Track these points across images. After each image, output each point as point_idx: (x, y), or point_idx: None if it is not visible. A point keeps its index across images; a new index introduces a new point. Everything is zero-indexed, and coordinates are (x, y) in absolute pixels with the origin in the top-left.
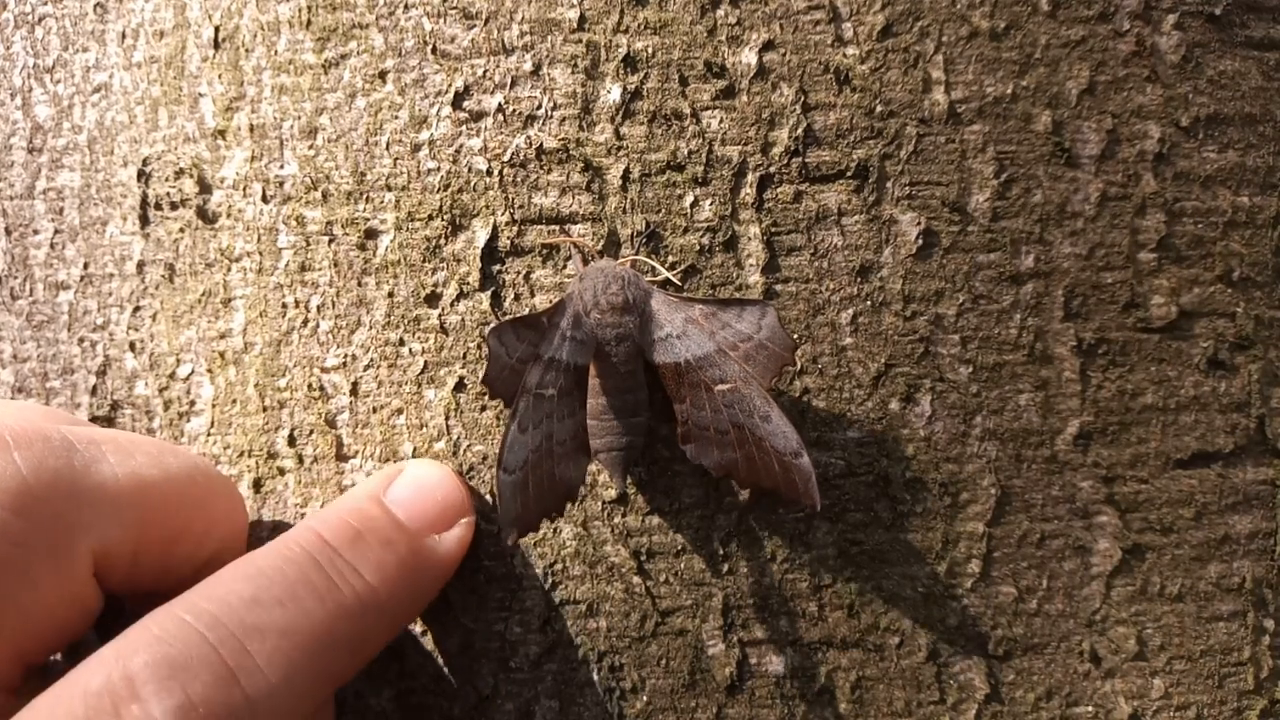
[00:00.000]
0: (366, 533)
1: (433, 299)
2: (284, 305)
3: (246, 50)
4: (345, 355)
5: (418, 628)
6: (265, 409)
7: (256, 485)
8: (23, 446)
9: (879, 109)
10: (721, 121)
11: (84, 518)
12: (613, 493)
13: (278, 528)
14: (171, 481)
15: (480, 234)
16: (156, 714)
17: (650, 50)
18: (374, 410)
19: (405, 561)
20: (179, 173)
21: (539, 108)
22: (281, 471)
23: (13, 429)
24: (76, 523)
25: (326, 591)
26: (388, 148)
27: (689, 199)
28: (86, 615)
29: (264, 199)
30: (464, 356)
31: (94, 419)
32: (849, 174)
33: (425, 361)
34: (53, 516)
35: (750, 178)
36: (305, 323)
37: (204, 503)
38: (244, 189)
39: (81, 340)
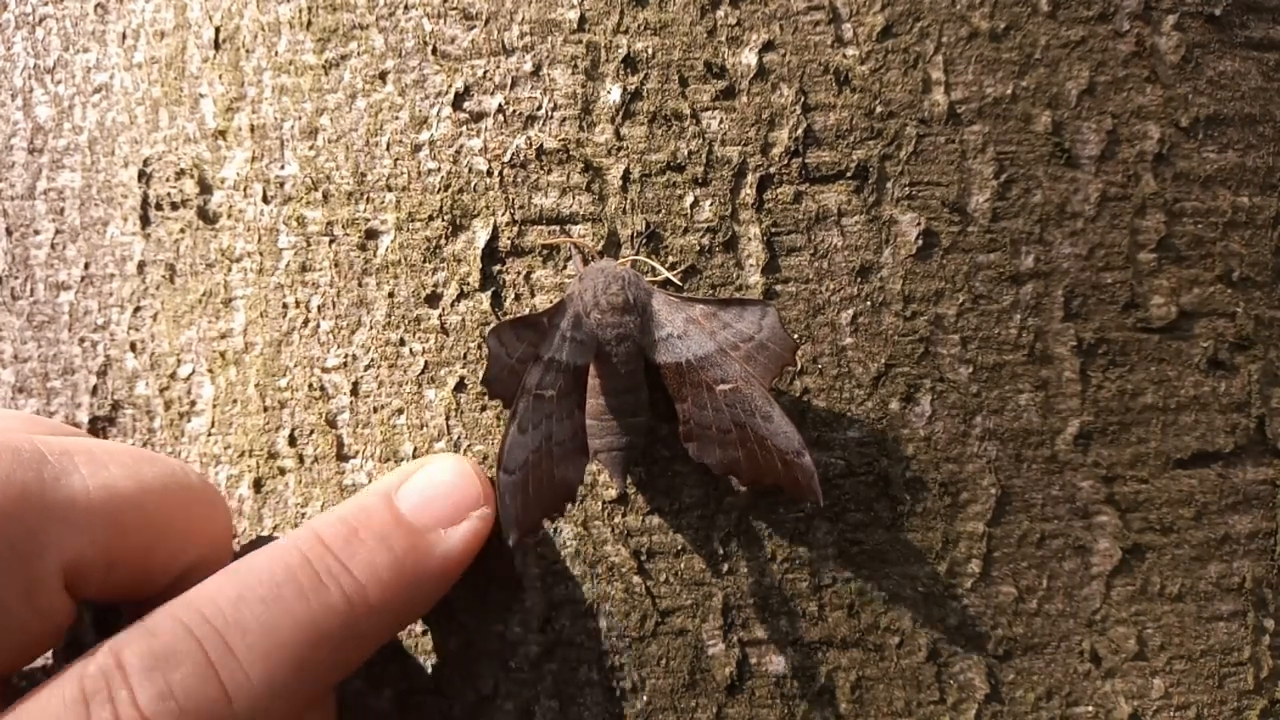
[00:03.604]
0: (362, 530)
1: (433, 299)
2: (284, 305)
3: (247, 51)
4: (346, 355)
5: (418, 627)
6: (266, 409)
7: (257, 485)
8: None
9: (879, 109)
10: (721, 122)
11: (53, 531)
12: (613, 493)
13: (278, 528)
14: (147, 492)
15: (481, 234)
16: (142, 700)
17: (650, 51)
18: (374, 410)
19: (401, 559)
20: (180, 173)
21: (539, 108)
22: (282, 471)
23: None
24: (45, 537)
25: (312, 590)
26: (388, 148)
27: (689, 199)
28: (57, 628)
29: (265, 199)
30: (464, 356)
31: (95, 419)
32: (849, 174)
33: (426, 361)
34: (20, 531)
35: (750, 178)
36: (306, 323)
37: (182, 513)
38: (245, 189)
39: (82, 340)
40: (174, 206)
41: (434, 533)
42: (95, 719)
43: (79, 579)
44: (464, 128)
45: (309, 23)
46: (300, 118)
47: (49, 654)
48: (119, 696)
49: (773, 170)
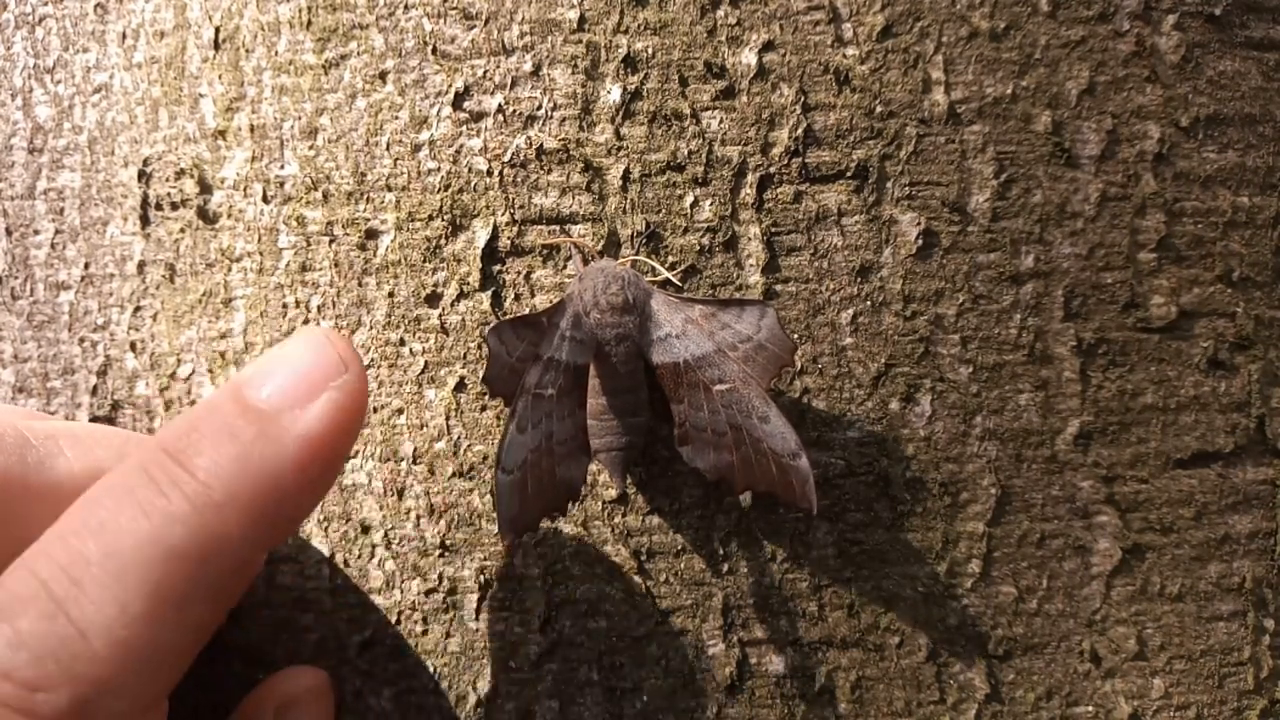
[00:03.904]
0: (204, 427)
1: (433, 299)
2: (285, 305)
3: (247, 51)
4: None
5: (418, 627)
6: None
7: None
8: None
9: (879, 109)
10: (721, 122)
11: (36, 514)
12: (613, 493)
13: None
14: None
15: (480, 234)
16: None
17: (650, 51)
18: (374, 410)
19: (248, 449)
20: (179, 173)
21: (539, 108)
22: None
23: None
24: (29, 520)
25: (149, 502)
26: (388, 148)
27: (689, 199)
28: None
29: (264, 199)
30: (464, 356)
31: (94, 419)
32: (849, 174)
33: (426, 361)
34: (3, 514)
35: (750, 178)
36: (306, 323)
37: None
38: (244, 189)
39: (82, 340)
40: (174, 206)
41: (287, 414)
42: None
43: None
44: (464, 127)
45: (309, 22)
46: (300, 118)
47: None
48: None
49: (773, 170)
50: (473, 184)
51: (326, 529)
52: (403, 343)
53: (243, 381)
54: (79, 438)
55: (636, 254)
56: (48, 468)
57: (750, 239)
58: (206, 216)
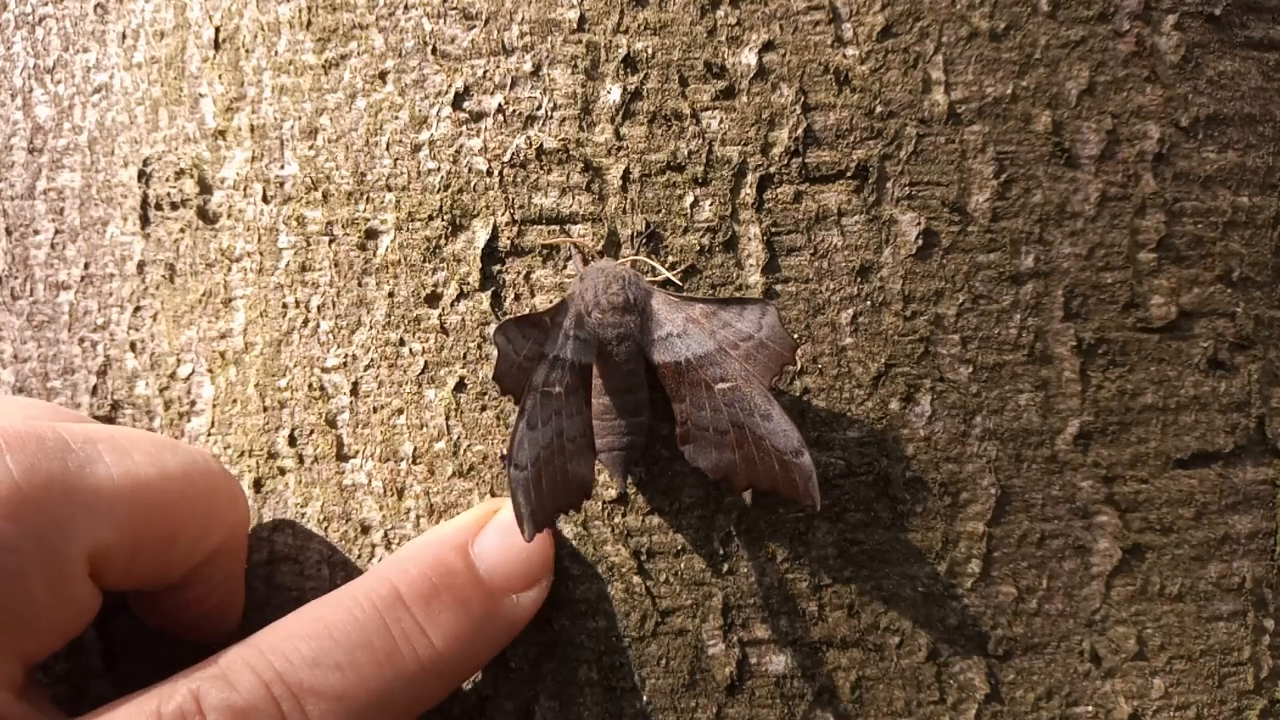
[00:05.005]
0: (444, 590)
1: (433, 299)
2: (284, 305)
3: (247, 51)
4: (346, 355)
5: None
6: (266, 409)
7: (257, 485)
8: (15, 449)
9: (879, 109)
10: (721, 122)
11: (79, 520)
12: (613, 492)
13: (278, 528)
14: (169, 479)
15: (480, 234)
16: None
17: (650, 51)
18: (374, 410)
19: (478, 624)
20: (179, 173)
21: (539, 108)
22: (282, 471)
23: (6, 430)
24: (71, 526)
25: (387, 657)
26: (388, 148)
27: (689, 199)
28: (85, 614)
29: (264, 199)
30: (464, 356)
31: (94, 419)
32: (849, 174)
33: (425, 361)
34: (47, 520)
35: (750, 178)
36: (306, 323)
37: (204, 500)
38: (244, 189)
39: (82, 340)
40: (174, 206)
41: (508, 598)
42: None
43: (103, 567)
44: (464, 127)
45: (309, 22)
46: (300, 117)
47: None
48: None
49: (773, 170)
50: (473, 184)
51: (326, 529)
52: (403, 343)
53: (468, 541)
54: (117, 441)
55: (636, 254)
56: (88, 472)
57: (750, 239)
58: (206, 216)
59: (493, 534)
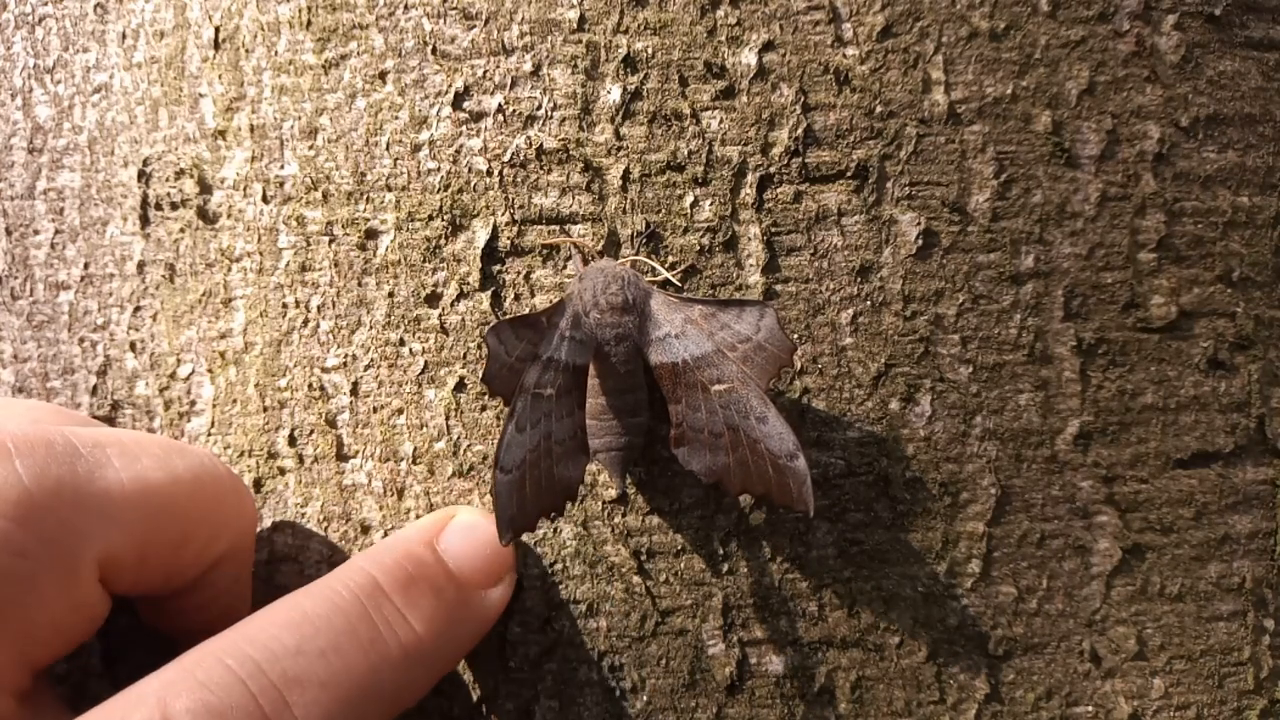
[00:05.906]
0: (419, 579)
1: (433, 299)
2: (284, 305)
3: (247, 51)
4: (345, 355)
5: None
6: (265, 409)
7: (257, 485)
8: (24, 454)
9: (879, 109)
10: (721, 122)
11: (88, 525)
12: (613, 493)
13: (278, 528)
14: (178, 484)
15: (480, 234)
16: None
17: (650, 51)
18: (374, 410)
19: (454, 612)
20: (179, 173)
21: (539, 108)
22: (282, 471)
23: (14, 435)
24: (81, 531)
25: (370, 643)
26: (388, 148)
27: (689, 199)
28: (94, 620)
29: (264, 199)
30: (464, 356)
31: (94, 419)
32: (849, 174)
33: (425, 361)
34: (56, 526)
35: (750, 178)
36: (305, 323)
37: (213, 504)
38: (244, 189)
39: (82, 340)
40: (174, 206)
41: (476, 593)
42: None
43: (113, 572)
44: (464, 127)
45: (309, 22)
46: (300, 117)
47: None
48: None
49: (773, 170)
50: (473, 184)
51: (326, 529)
52: (403, 343)
53: (432, 536)
54: (125, 446)
55: (636, 254)
56: (98, 477)
57: (750, 239)
58: (206, 216)
59: (456, 532)
